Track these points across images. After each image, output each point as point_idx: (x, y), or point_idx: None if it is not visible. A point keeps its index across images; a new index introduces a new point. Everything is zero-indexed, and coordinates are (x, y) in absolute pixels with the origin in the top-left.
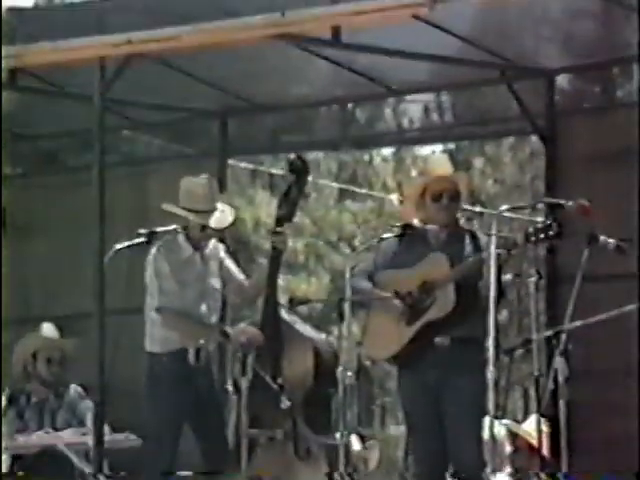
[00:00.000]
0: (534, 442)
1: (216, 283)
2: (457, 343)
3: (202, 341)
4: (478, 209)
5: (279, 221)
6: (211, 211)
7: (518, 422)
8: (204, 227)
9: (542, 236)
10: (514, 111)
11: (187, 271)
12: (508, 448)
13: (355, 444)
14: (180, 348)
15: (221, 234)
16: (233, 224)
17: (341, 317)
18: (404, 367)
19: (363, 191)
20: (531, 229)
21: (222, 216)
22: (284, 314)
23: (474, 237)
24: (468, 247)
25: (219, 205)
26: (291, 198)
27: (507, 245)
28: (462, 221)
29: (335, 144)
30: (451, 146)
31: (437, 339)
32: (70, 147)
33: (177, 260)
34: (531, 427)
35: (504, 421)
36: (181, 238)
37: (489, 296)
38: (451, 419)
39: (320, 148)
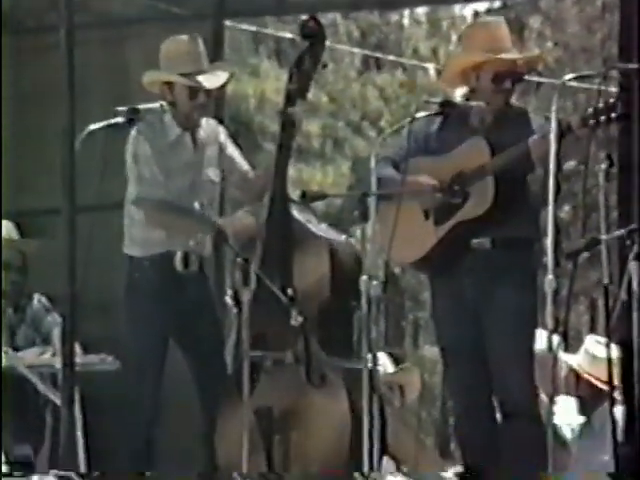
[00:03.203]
0: (592, 379)
1: (214, 174)
2: (501, 245)
3: (192, 243)
4: (535, 79)
5: (290, 97)
6: (199, 73)
7: (577, 342)
8: (193, 92)
9: (603, 118)
10: None
11: (174, 156)
12: (565, 371)
13: (387, 366)
14: (166, 251)
15: (218, 114)
16: (231, 96)
17: (365, 215)
18: (436, 276)
19: (391, 58)
20: (590, 109)
21: (214, 77)
22: (295, 212)
23: (526, 118)
24: (518, 131)
25: (210, 67)
26: (304, 69)
27: (559, 129)
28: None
29: (356, 3)
30: (497, 4)
31: (475, 241)
32: (29, 2)
33: (162, 143)
34: (586, 357)
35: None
36: (167, 117)
37: (540, 191)
38: (494, 338)
39: (337, 8)
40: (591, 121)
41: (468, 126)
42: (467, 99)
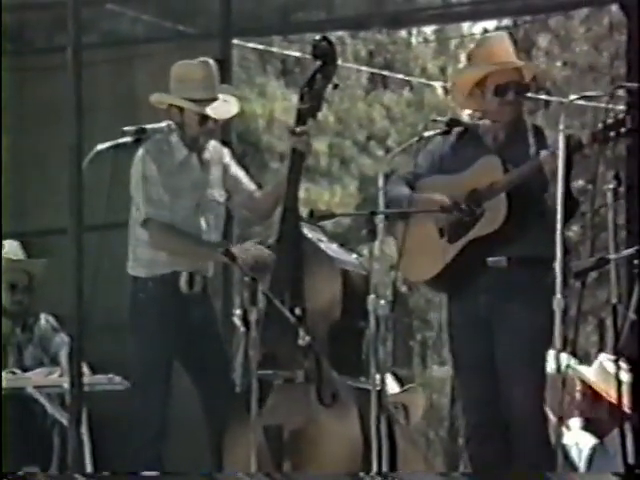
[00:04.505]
0: (603, 393)
1: (218, 194)
2: (517, 264)
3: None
4: (543, 97)
5: (301, 117)
6: (211, 100)
7: (586, 362)
8: (203, 119)
9: (612, 134)
10: None
11: (181, 177)
12: (578, 392)
13: (392, 387)
14: (171, 272)
15: (225, 134)
16: (239, 116)
17: (373, 234)
18: (452, 294)
19: (399, 76)
20: (600, 125)
21: (225, 106)
22: (306, 230)
23: (540, 134)
24: (532, 148)
25: (221, 95)
26: (315, 89)
27: (570, 145)
28: (525, 115)
29: (363, 22)
30: (507, 22)
31: (491, 259)
32: (39, 23)
33: (169, 163)
34: (600, 372)
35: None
36: (174, 138)
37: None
38: (505, 356)
39: (344, 27)
40: (600, 136)
41: (482, 144)
42: (479, 118)
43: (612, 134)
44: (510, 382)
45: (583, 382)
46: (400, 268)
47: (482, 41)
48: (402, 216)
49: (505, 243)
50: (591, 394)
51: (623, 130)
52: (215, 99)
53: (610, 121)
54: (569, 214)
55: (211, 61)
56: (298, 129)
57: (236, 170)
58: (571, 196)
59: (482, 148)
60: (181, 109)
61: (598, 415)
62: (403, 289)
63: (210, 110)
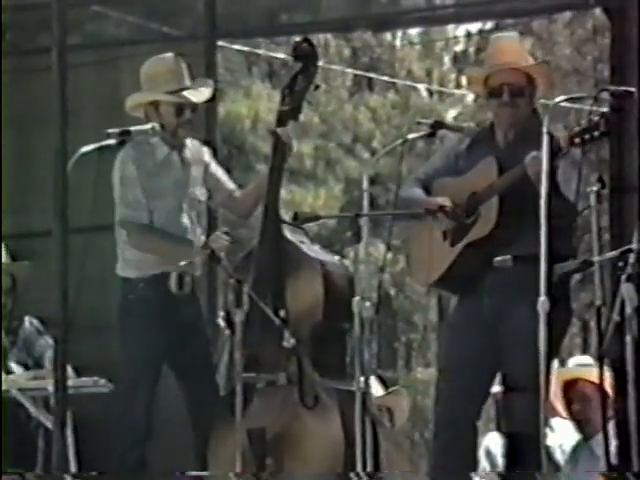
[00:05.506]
0: (594, 379)
1: (200, 193)
2: (522, 263)
3: (182, 263)
4: None
5: (281, 119)
6: (183, 90)
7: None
8: (179, 109)
9: (588, 137)
10: None
11: (163, 176)
12: (561, 396)
13: (376, 389)
14: (160, 272)
15: (210, 135)
16: (225, 118)
17: (357, 236)
18: (459, 295)
19: (384, 78)
20: (576, 129)
21: (199, 93)
22: (288, 233)
23: (549, 134)
24: (539, 148)
25: (193, 84)
26: (296, 91)
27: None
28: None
29: (348, 24)
30: (489, 25)
31: (497, 259)
32: (22, 24)
33: (150, 164)
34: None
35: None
36: (155, 139)
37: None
38: (510, 358)
39: (329, 29)
40: (577, 139)
41: (493, 145)
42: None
43: (587, 137)
44: (516, 381)
45: (569, 383)
46: (408, 271)
47: (491, 42)
48: (414, 218)
49: (499, 245)
50: (578, 394)
51: (596, 133)
52: (187, 88)
53: (585, 125)
54: (571, 216)
55: (178, 55)
56: (279, 130)
57: (216, 169)
58: (565, 199)
59: (492, 148)
60: (156, 106)
61: (586, 416)
62: (392, 291)
63: (185, 94)
